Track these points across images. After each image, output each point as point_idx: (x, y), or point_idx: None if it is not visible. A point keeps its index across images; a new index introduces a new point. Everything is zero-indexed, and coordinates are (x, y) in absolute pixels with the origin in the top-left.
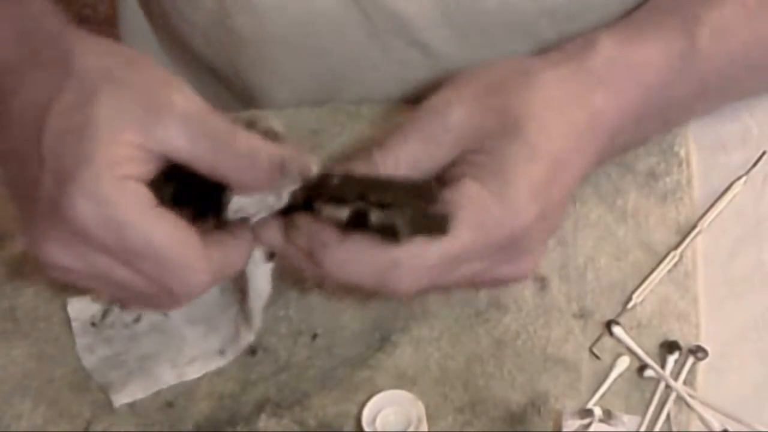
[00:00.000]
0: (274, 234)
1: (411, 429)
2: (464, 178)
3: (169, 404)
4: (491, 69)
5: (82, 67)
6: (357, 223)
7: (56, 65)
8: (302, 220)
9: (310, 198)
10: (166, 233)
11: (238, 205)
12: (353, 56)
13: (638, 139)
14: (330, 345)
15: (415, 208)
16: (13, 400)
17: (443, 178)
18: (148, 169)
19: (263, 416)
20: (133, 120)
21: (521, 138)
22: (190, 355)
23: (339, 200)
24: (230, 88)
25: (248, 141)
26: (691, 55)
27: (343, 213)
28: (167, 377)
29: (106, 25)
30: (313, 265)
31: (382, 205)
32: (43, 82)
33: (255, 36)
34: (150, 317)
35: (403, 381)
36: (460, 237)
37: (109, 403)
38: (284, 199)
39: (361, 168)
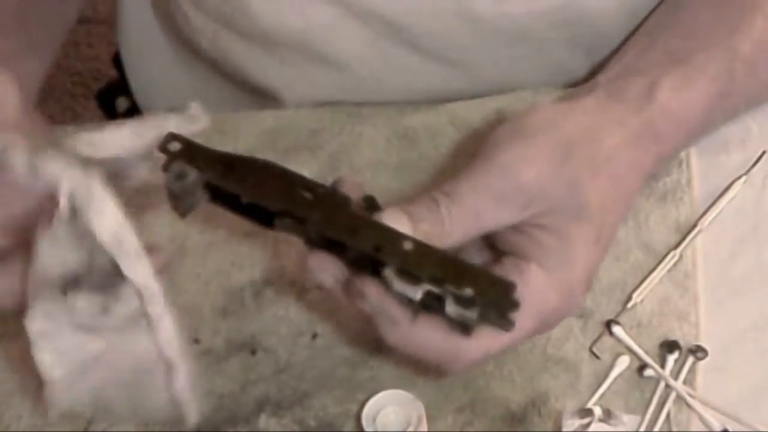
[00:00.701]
0: (328, 273)
1: (411, 429)
2: (530, 264)
3: None
4: (560, 125)
5: None
6: (430, 305)
7: None
8: (371, 289)
9: (376, 258)
10: None
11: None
12: (354, 64)
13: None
14: (330, 345)
15: (492, 309)
16: (13, 400)
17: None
18: None
19: (263, 416)
20: None
21: (588, 221)
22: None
23: (410, 275)
24: (242, 87)
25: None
26: (729, 94)
27: (417, 293)
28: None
29: (106, 25)
30: (371, 325)
31: (460, 299)
32: None
33: (257, 41)
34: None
35: (402, 381)
36: (522, 329)
37: None
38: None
39: (426, 217)
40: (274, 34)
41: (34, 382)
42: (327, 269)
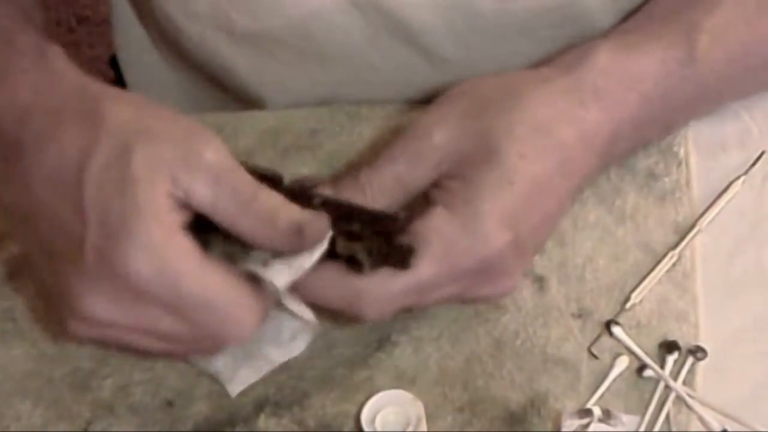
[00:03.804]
0: None
1: (410, 429)
2: (434, 207)
3: (169, 404)
4: (479, 87)
5: (114, 121)
6: (329, 252)
7: (85, 119)
8: None
9: None
10: (220, 282)
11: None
12: (353, 60)
13: (639, 144)
14: (330, 345)
15: (378, 240)
16: (13, 400)
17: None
18: (183, 218)
19: (263, 416)
20: (167, 171)
21: (497, 163)
22: (290, 332)
23: None
24: (226, 90)
25: (269, 201)
26: (690, 62)
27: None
28: (275, 356)
29: (106, 25)
30: None
31: (350, 235)
32: (73, 138)
33: (253, 39)
34: None
35: (402, 381)
36: (424, 269)
37: (109, 403)
38: (315, 259)
39: (347, 188)
40: (271, 28)
41: (34, 382)
42: None
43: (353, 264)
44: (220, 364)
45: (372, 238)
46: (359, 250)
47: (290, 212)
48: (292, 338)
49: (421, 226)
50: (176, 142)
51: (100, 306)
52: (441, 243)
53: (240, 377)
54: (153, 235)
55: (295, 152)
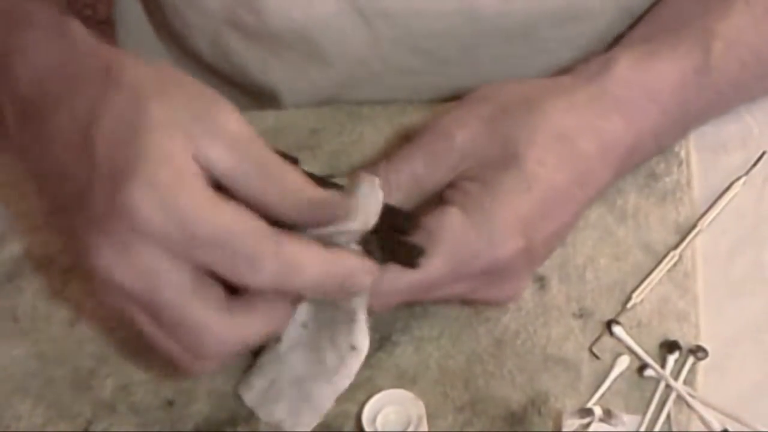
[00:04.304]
0: None
1: (411, 428)
2: (449, 207)
3: (170, 403)
4: (501, 92)
5: (131, 79)
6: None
7: (100, 78)
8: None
9: None
10: (232, 218)
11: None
12: (355, 64)
13: (658, 152)
14: None
15: (389, 235)
16: (13, 400)
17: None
18: (200, 172)
19: None
20: (183, 131)
21: (516, 169)
22: (333, 365)
23: None
24: (236, 86)
25: (294, 176)
26: (706, 69)
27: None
28: (327, 395)
29: (106, 25)
30: None
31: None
32: (86, 96)
33: (260, 37)
34: (288, 333)
35: (403, 380)
36: (433, 268)
37: (109, 402)
38: (371, 223)
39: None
40: (276, 30)
41: (34, 382)
42: None
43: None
44: (278, 410)
45: (384, 232)
46: (373, 242)
47: (313, 191)
48: (336, 370)
49: (435, 224)
50: (193, 106)
51: (110, 260)
52: (452, 243)
53: (302, 424)
54: (159, 172)
55: (296, 152)
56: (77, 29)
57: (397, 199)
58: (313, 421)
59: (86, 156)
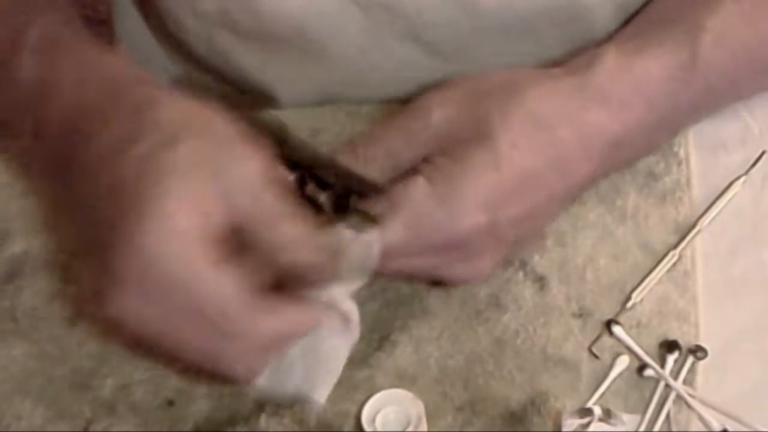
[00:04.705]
0: None
1: (410, 428)
2: (416, 178)
3: (170, 403)
4: (484, 76)
5: (166, 117)
6: (299, 194)
7: (138, 113)
8: None
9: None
10: (218, 288)
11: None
12: (354, 57)
13: (647, 149)
14: None
15: (346, 196)
16: (13, 400)
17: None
18: (214, 222)
19: (263, 416)
20: (205, 170)
21: (488, 148)
22: (339, 321)
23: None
24: (236, 89)
25: (302, 226)
26: (694, 63)
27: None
28: (340, 351)
29: (106, 25)
30: None
31: (322, 183)
32: (123, 129)
33: (256, 37)
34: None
35: (402, 380)
36: (390, 234)
37: (109, 402)
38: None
39: (344, 156)
40: (272, 29)
41: (34, 382)
42: None
43: (317, 210)
44: (297, 377)
45: (343, 194)
46: (325, 198)
47: (322, 239)
48: (344, 325)
49: (399, 192)
50: (219, 145)
51: (129, 296)
52: (413, 212)
53: (321, 382)
54: (170, 226)
55: None
56: (119, 59)
57: (371, 173)
58: (331, 380)
59: (109, 189)
